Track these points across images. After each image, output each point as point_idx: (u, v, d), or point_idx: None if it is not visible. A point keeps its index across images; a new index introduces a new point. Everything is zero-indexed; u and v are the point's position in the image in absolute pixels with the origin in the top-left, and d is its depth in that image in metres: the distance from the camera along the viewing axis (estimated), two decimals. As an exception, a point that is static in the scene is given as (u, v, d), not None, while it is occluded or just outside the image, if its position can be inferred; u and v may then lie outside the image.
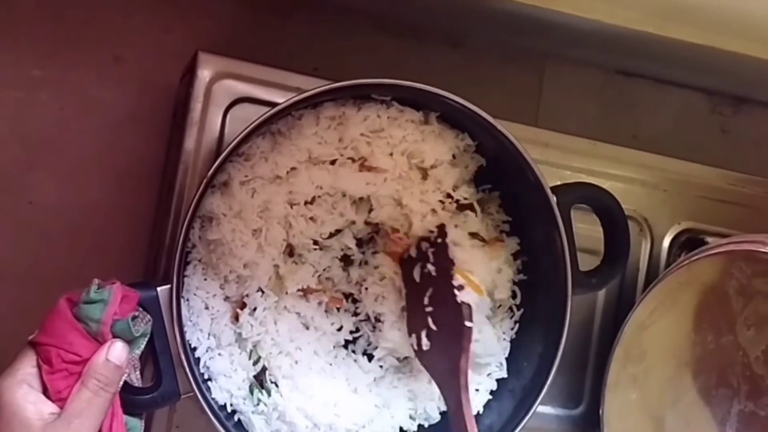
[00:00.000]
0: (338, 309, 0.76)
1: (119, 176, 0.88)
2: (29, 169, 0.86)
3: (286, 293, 0.74)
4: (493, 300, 0.79)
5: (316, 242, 0.75)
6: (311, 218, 0.74)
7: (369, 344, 0.78)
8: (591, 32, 0.88)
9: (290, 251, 0.75)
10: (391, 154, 0.74)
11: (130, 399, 0.67)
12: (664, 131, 1.02)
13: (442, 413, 0.78)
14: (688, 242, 0.90)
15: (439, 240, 0.75)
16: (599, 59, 1.00)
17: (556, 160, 0.87)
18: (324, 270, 0.76)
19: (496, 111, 0.73)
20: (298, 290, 0.74)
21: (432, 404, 0.77)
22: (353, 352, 0.78)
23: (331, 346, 0.76)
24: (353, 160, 0.74)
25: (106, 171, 0.88)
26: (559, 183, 0.79)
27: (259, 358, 0.73)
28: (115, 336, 0.64)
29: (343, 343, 0.77)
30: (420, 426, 0.77)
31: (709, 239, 0.88)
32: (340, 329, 0.77)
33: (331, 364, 0.76)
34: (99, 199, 0.87)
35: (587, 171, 0.88)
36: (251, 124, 0.68)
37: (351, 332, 0.77)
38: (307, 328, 0.75)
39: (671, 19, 0.87)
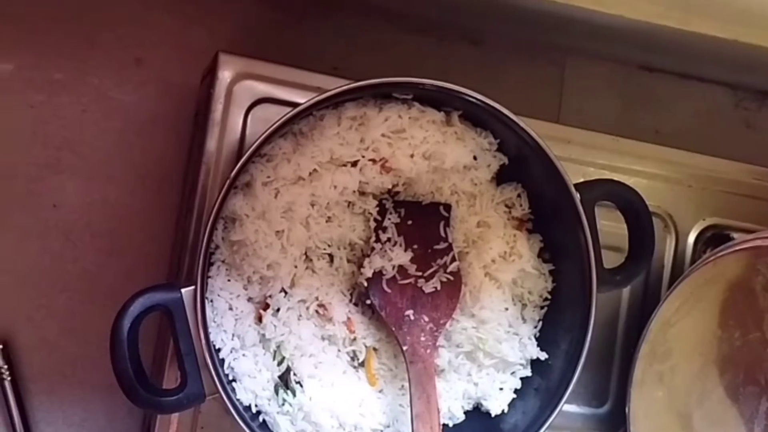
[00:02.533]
0: (351, 332, 0.76)
1: (142, 178, 0.88)
2: (52, 172, 0.87)
3: (298, 301, 0.74)
4: (518, 298, 0.78)
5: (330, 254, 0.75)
6: (329, 218, 0.74)
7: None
8: (613, 27, 0.88)
9: (306, 255, 0.75)
10: (412, 156, 0.74)
11: (156, 401, 0.67)
12: (687, 126, 1.01)
13: (466, 412, 0.78)
14: (714, 238, 0.89)
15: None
16: (621, 54, 0.99)
17: (579, 156, 0.86)
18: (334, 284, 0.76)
19: (517, 108, 0.73)
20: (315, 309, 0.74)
21: (456, 403, 0.77)
22: (375, 350, 0.77)
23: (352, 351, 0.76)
24: (374, 162, 0.74)
25: (129, 173, 0.88)
26: (582, 180, 0.78)
27: (283, 358, 0.73)
28: None
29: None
30: (445, 425, 0.77)
31: (735, 235, 0.88)
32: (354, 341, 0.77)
33: (355, 366, 0.76)
34: (122, 200, 0.88)
35: (610, 167, 0.87)
36: (273, 124, 0.68)
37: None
38: (323, 339, 0.75)
39: (694, 12, 0.86)
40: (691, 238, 0.89)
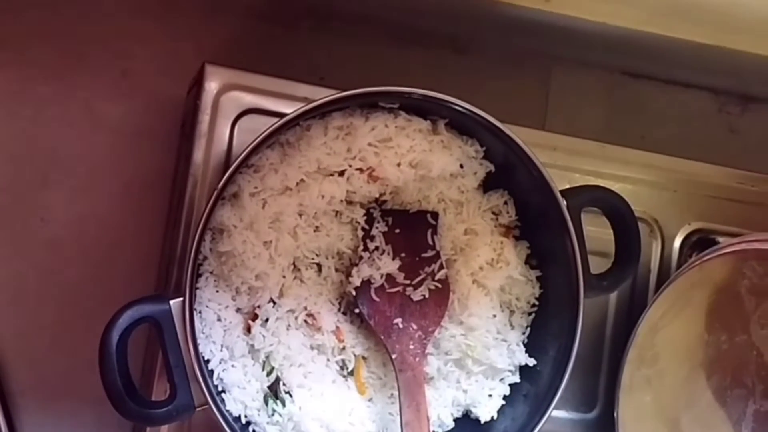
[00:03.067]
0: (340, 341, 0.76)
1: (129, 190, 0.88)
2: (40, 186, 0.86)
3: (287, 311, 0.74)
4: (506, 305, 0.79)
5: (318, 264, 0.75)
6: (316, 228, 0.74)
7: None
8: (596, 34, 0.89)
9: (294, 265, 0.75)
10: (399, 165, 0.74)
11: (145, 413, 0.67)
12: (672, 132, 1.02)
13: (455, 420, 0.78)
14: (699, 242, 0.89)
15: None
16: (605, 61, 1.00)
17: (565, 163, 0.86)
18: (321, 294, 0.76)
19: (503, 116, 0.73)
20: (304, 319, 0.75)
21: (446, 411, 0.77)
22: (364, 358, 0.77)
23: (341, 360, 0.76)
24: (361, 171, 0.74)
25: (117, 185, 0.88)
26: (568, 186, 0.78)
27: (273, 368, 0.73)
28: None
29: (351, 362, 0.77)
30: (434, 433, 0.77)
31: (720, 239, 0.88)
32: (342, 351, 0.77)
33: (344, 375, 0.76)
34: (110, 213, 0.88)
35: (596, 173, 0.88)
36: (260, 135, 0.68)
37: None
38: (312, 348, 0.75)
39: (677, 18, 0.87)
40: (677, 243, 0.90)
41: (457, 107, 0.72)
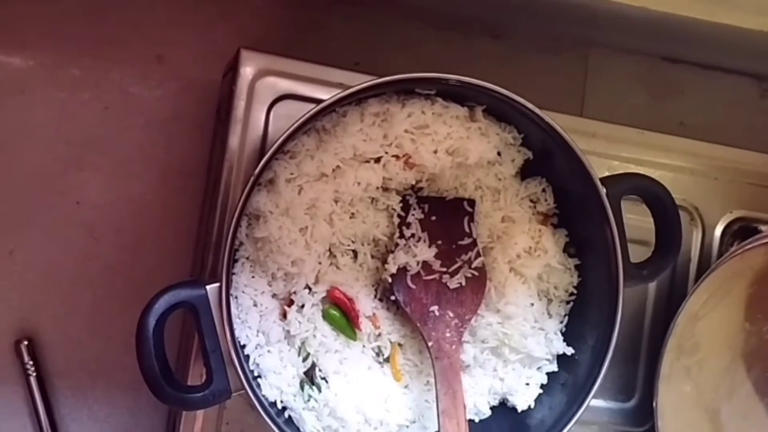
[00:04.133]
0: (376, 327, 0.76)
1: (164, 174, 0.88)
2: (75, 170, 0.87)
3: (322, 297, 0.74)
4: (543, 294, 0.78)
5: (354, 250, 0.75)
6: (352, 214, 0.74)
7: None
8: (636, 19, 0.87)
9: (330, 252, 0.75)
10: (436, 152, 0.74)
11: (182, 398, 0.67)
12: (712, 118, 1.00)
13: (492, 408, 0.78)
14: (741, 231, 0.88)
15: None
16: (644, 46, 0.99)
17: (604, 150, 0.86)
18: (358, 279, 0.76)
19: (541, 102, 0.72)
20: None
21: (482, 399, 0.77)
22: (399, 345, 0.77)
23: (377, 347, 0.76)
24: (397, 157, 0.74)
25: (152, 169, 0.88)
26: (607, 174, 0.78)
27: (308, 354, 0.73)
28: None
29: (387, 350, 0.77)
30: (471, 421, 0.77)
31: (762, 227, 0.87)
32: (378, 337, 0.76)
33: (380, 362, 0.76)
34: (145, 197, 0.88)
35: (635, 161, 0.87)
36: (296, 121, 0.68)
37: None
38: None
39: (719, 3, 0.85)
40: (718, 231, 0.89)
41: (494, 93, 0.71)
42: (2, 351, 0.85)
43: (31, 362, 0.84)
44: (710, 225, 0.89)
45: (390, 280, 0.74)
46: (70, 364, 0.87)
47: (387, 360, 0.76)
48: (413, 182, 0.76)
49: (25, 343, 0.84)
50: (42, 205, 0.86)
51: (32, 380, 0.84)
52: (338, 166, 0.73)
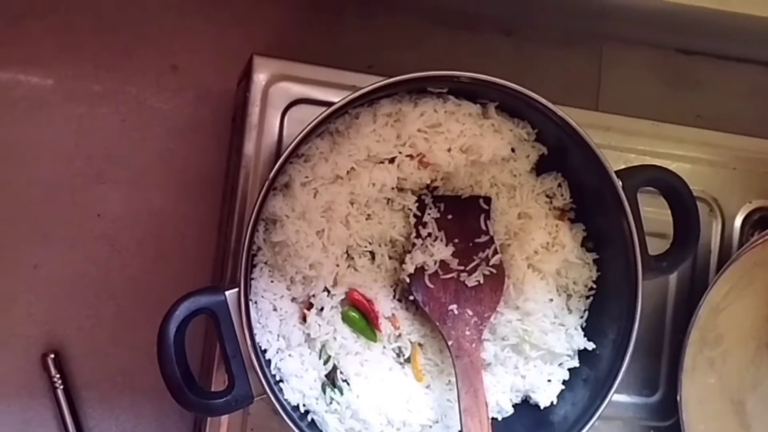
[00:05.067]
0: (396, 328, 0.76)
1: (183, 184, 0.89)
2: (96, 183, 0.88)
3: (341, 299, 0.74)
4: (562, 289, 0.78)
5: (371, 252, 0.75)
6: (368, 216, 0.74)
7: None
8: (649, 11, 0.87)
9: (347, 254, 0.75)
10: (449, 150, 0.74)
11: (205, 404, 0.68)
12: (728, 108, 1.00)
13: (515, 405, 0.77)
14: (761, 221, 0.88)
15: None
16: (658, 39, 0.98)
17: (619, 143, 0.85)
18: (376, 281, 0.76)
19: (555, 97, 0.72)
20: None
21: (504, 397, 0.77)
22: (420, 345, 0.77)
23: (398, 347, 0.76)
24: (411, 157, 0.74)
25: (170, 179, 0.89)
26: (623, 166, 0.77)
27: (329, 357, 0.73)
28: None
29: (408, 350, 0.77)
30: (493, 419, 0.77)
31: (784, 216, 0.86)
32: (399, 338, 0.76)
33: (401, 363, 0.76)
34: (165, 207, 0.89)
35: (652, 153, 0.86)
36: (309, 124, 0.68)
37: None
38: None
39: (731, -8, 0.85)
40: (738, 222, 0.88)
41: (507, 90, 0.71)
42: (30, 365, 0.86)
43: (57, 375, 0.85)
44: (730, 216, 0.88)
45: (408, 280, 0.74)
46: (96, 375, 0.87)
47: (408, 360, 0.76)
48: (428, 181, 0.76)
49: (52, 356, 0.85)
50: (64, 219, 0.87)
51: (60, 393, 0.85)
52: (353, 168, 0.73)
